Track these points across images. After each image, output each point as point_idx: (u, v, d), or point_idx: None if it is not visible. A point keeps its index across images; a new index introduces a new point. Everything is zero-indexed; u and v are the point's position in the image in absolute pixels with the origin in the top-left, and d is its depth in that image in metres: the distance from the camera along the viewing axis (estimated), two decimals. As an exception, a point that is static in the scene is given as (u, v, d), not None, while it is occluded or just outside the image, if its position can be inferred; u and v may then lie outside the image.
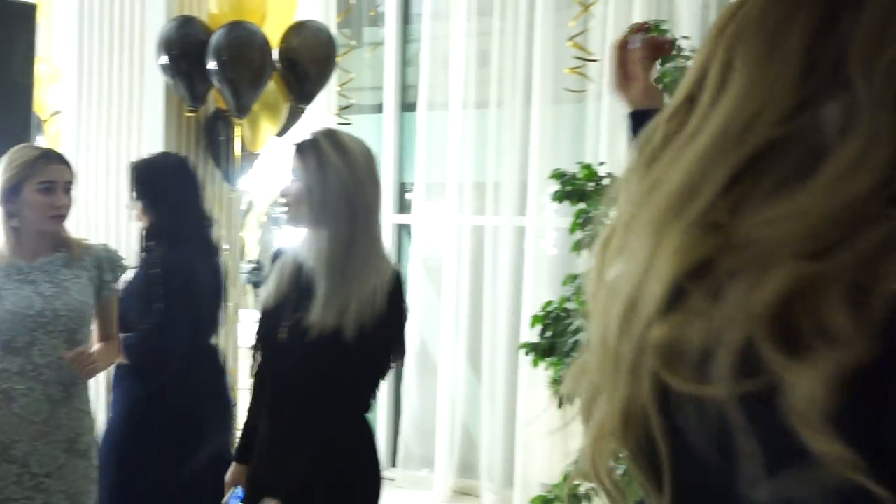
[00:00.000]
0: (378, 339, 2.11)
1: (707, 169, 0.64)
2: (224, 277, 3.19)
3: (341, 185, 2.12)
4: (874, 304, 0.54)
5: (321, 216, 2.14)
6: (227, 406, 3.20)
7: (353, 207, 2.12)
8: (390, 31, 5.29)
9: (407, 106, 5.29)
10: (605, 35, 4.39)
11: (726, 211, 0.62)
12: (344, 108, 4.66)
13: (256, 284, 4.89)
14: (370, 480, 2.23)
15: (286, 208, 2.23)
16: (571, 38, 3.82)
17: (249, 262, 5.12)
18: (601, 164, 3.45)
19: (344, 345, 2.07)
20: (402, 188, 5.39)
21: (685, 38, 3.40)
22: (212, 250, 3.13)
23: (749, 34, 0.67)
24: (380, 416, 5.29)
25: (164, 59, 3.66)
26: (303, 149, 2.18)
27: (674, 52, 3.17)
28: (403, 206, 5.38)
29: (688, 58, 3.24)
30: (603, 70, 4.36)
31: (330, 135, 2.19)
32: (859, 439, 0.53)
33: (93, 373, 2.57)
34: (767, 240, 0.59)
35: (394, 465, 5.20)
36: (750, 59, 0.66)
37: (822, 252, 0.56)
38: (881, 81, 0.60)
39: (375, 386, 2.18)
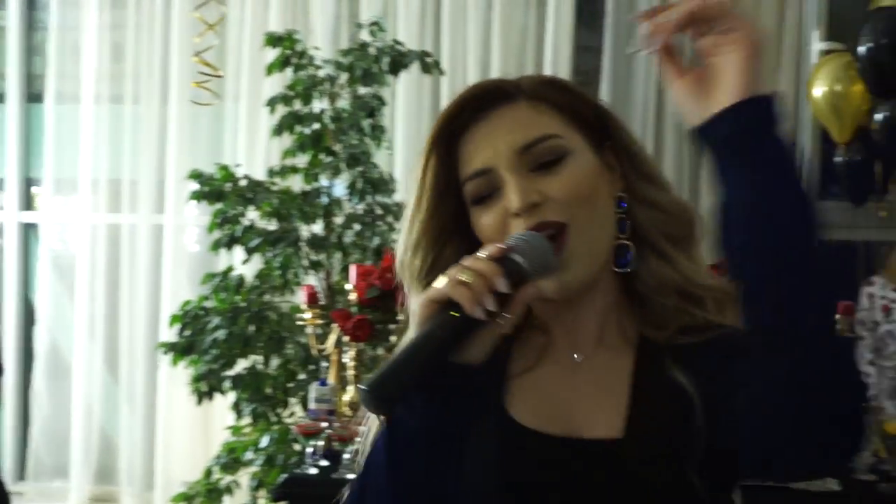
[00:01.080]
0: None
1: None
2: None
3: None
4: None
5: None
6: None
7: None
8: (13, 15, 4.97)
9: (33, 97, 5.01)
10: (241, 43, 4.48)
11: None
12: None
13: None
14: None
15: None
16: (197, 54, 3.85)
17: None
18: (238, 165, 3.55)
19: None
20: (29, 183, 5.10)
21: (316, 48, 3.60)
22: None
23: None
24: (6, 426, 4.98)
25: None
26: None
27: (304, 62, 3.34)
28: (30, 203, 5.09)
29: (318, 67, 3.44)
30: (242, 76, 4.46)
31: None
32: None
33: None
34: None
35: (22, 478, 4.93)
36: None
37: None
38: None
39: None
